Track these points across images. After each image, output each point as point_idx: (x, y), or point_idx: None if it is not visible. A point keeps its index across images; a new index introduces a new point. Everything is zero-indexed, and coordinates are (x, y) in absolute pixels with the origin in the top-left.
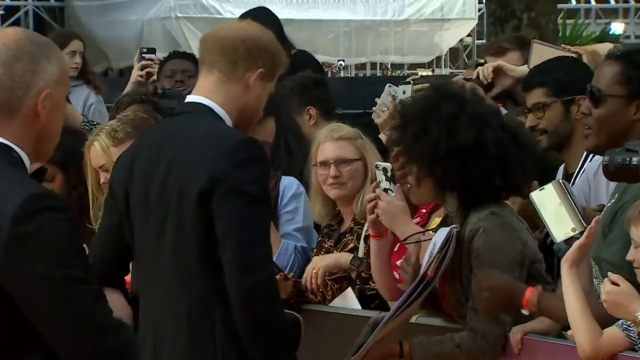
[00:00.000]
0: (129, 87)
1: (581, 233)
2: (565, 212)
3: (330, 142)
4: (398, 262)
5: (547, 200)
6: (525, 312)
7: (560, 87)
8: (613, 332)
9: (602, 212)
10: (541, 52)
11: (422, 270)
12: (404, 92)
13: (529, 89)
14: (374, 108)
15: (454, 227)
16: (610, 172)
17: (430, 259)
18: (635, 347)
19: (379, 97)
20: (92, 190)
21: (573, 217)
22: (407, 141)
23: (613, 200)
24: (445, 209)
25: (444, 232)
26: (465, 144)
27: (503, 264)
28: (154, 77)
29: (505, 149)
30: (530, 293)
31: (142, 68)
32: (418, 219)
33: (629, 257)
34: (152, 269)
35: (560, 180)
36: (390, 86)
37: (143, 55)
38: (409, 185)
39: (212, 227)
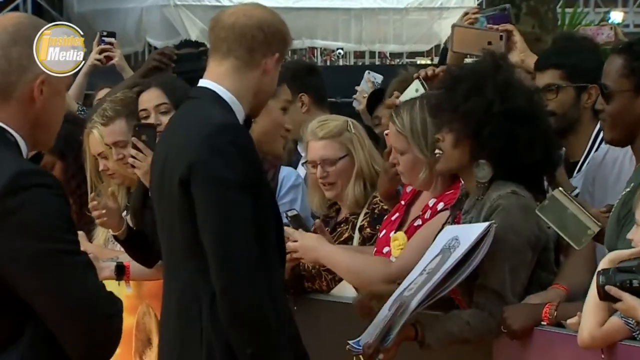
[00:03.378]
0: (85, 70)
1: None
2: (576, 217)
3: (314, 141)
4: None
5: (555, 210)
6: (544, 323)
7: (575, 72)
8: (612, 321)
9: (617, 200)
10: (464, 36)
11: (441, 274)
12: (416, 91)
13: (544, 68)
14: (354, 96)
15: (493, 223)
16: (608, 296)
17: (460, 255)
18: (634, 334)
19: (380, 87)
20: (91, 178)
21: (586, 219)
22: (458, 98)
23: (628, 189)
24: (466, 184)
25: (479, 227)
26: (519, 110)
27: (517, 245)
28: (113, 60)
29: (548, 124)
30: (548, 308)
31: (101, 52)
32: (397, 215)
33: (629, 235)
34: (163, 253)
35: (560, 189)
36: (369, 72)
37: (103, 38)
38: (438, 152)
39: (195, 214)
